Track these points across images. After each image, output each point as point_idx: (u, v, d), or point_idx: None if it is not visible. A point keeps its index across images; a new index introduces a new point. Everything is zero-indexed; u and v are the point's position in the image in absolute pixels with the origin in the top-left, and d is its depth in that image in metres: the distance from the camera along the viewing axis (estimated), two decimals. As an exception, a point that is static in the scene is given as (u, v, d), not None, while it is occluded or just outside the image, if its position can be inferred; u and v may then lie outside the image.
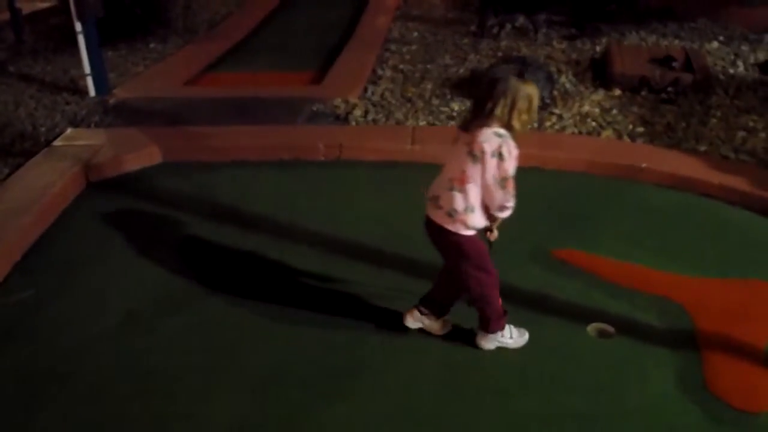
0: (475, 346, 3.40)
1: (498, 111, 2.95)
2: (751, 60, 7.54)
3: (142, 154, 5.48)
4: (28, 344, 3.54)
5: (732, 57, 7.67)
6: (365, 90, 6.83)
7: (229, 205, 4.87)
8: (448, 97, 6.65)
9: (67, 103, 6.61)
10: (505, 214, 3.11)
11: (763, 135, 5.68)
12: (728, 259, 4.17)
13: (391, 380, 3.24)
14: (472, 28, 9.02)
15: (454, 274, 3.28)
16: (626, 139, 5.72)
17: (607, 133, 5.80)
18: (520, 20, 8.84)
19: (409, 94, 6.72)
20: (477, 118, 3.01)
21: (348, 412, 3.07)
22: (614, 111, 6.23)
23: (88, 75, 6.69)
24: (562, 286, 3.87)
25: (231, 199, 4.94)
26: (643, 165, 5.14)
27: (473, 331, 3.43)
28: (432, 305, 3.45)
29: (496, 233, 3.26)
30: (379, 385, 3.21)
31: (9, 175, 5.12)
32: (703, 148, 5.47)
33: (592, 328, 3.56)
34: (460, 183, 3.03)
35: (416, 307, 3.48)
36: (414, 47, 8.40)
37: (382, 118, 6.17)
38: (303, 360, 3.38)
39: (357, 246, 4.32)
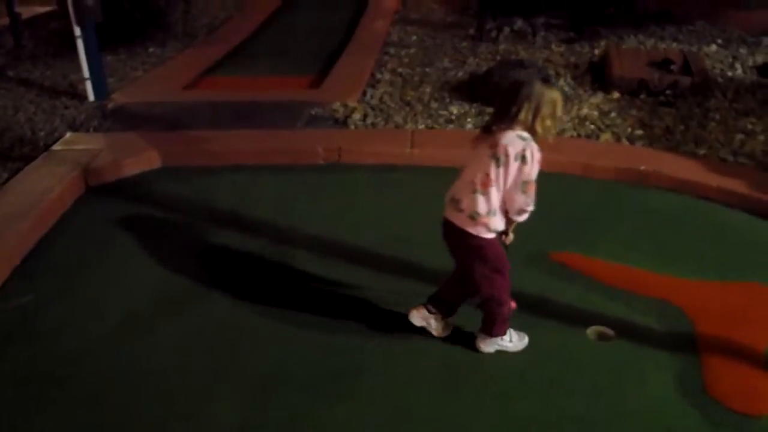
0: (475, 349, 3.40)
1: (522, 115, 2.95)
2: (750, 63, 7.56)
3: (141, 159, 5.49)
4: (28, 348, 3.54)
5: (730, 60, 7.69)
6: (364, 94, 6.84)
7: (228, 209, 4.87)
8: (447, 100, 6.66)
9: (66, 108, 6.62)
10: (523, 217, 3.11)
11: (761, 138, 5.69)
12: (727, 261, 4.17)
13: (391, 383, 3.24)
14: (471, 31, 9.04)
15: (467, 276, 3.27)
16: (625, 142, 5.73)
17: (606, 136, 5.81)
18: (519, 24, 8.86)
19: (408, 98, 6.73)
20: (500, 121, 3.01)
21: (348, 414, 3.07)
22: (613, 114, 6.24)
23: (87, 79, 6.70)
24: (561, 289, 3.87)
25: (230, 204, 4.94)
26: (642, 168, 5.15)
27: (473, 334, 3.44)
28: (441, 305, 3.45)
29: (511, 236, 3.27)
30: (379, 388, 3.21)
31: (8, 179, 5.12)
32: (701, 151, 5.47)
33: (591, 331, 3.56)
34: (483, 186, 3.03)
35: (424, 305, 3.47)
36: (413, 51, 8.41)
37: (381, 122, 6.18)
38: (303, 362, 3.38)
39: (356, 249, 4.32)
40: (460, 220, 3.13)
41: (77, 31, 6.47)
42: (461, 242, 3.17)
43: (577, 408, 3.08)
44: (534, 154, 2.96)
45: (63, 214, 4.81)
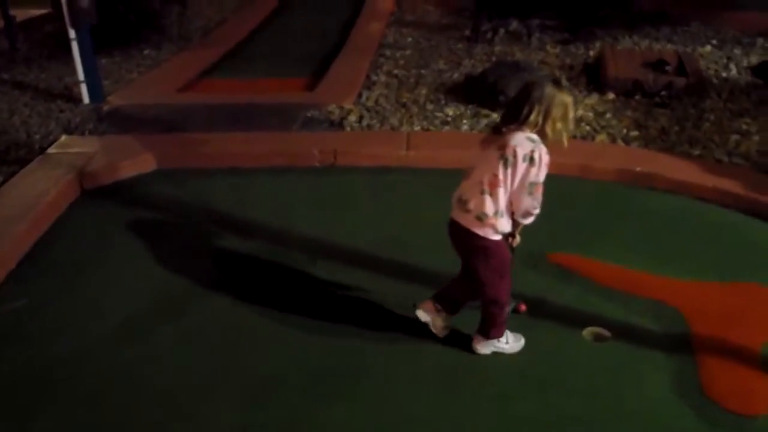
0: (472, 350, 3.40)
1: (532, 117, 2.95)
2: (744, 63, 7.58)
3: (136, 161, 5.48)
4: (24, 350, 3.53)
5: (725, 60, 7.71)
6: (360, 96, 6.84)
7: (224, 211, 4.87)
8: (443, 102, 6.66)
9: (62, 111, 6.60)
10: (529, 220, 3.11)
11: (756, 138, 5.70)
12: (723, 262, 4.18)
13: (390, 384, 3.24)
14: (467, 33, 9.04)
15: (471, 276, 3.27)
16: (620, 143, 5.73)
17: (602, 137, 5.82)
18: (514, 25, 8.87)
19: (404, 100, 6.73)
20: (510, 122, 3.01)
21: (347, 414, 3.07)
22: (608, 115, 6.25)
23: (82, 82, 6.69)
24: (558, 290, 3.87)
25: (226, 206, 4.93)
26: (638, 169, 5.16)
27: (470, 335, 3.44)
28: (447, 302, 3.45)
29: (518, 239, 3.27)
30: (378, 389, 3.21)
31: (3, 182, 5.10)
32: (696, 152, 5.48)
33: (588, 332, 3.57)
34: (490, 186, 3.03)
35: (431, 300, 3.47)
36: (408, 52, 8.41)
37: (377, 124, 6.18)
38: (302, 363, 3.38)
39: (353, 251, 4.32)
40: (467, 221, 3.12)
41: (72, 33, 6.46)
42: (467, 243, 3.17)
43: (575, 409, 3.08)
44: (542, 156, 2.96)
45: (58, 218, 4.80)
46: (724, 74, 7.27)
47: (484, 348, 3.39)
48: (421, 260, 4.18)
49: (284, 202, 5.01)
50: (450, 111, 6.43)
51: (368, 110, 6.47)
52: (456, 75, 7.44)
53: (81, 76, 6.65)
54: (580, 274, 4.04)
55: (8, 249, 4.26)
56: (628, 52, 7.81)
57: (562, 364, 3.36)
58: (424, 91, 6.96)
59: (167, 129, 6.13)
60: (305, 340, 3.55)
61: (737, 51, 8.04)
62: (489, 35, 8.79)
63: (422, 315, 3.49)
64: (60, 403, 3.17)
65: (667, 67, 6.84)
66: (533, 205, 3.03)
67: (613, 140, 5.77)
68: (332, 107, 6.49)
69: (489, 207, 3.04)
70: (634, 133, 5.87)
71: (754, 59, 7.68)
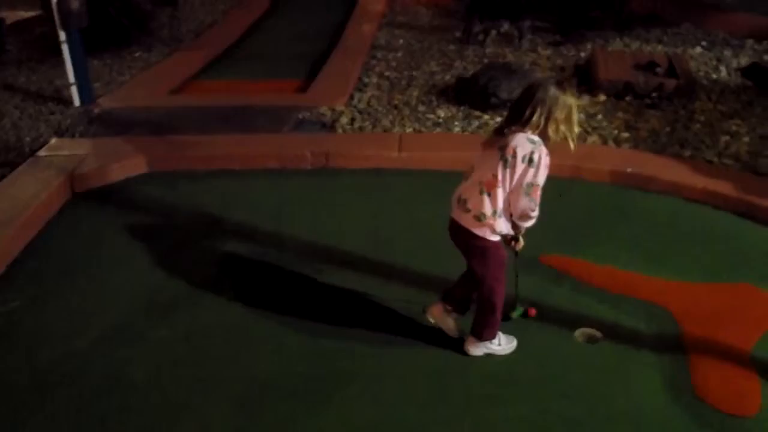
0: (463, 352, 3.40)
1: (535, 118, 2.95)
2: (734, 65, 7.62)
3: (127, 164, 5.46)
4: (11, 356, 3.51)
5: (715, 62, 7.74)
6: (352, 97, 6.84)
7: (215, 214, 4.85)
8: (435, 103, 6.66)
9: (52, 113, 6.57)
10: (528, 223, 3.11)
11: (746, 139, 5.73)
12: (714, 263, 4.19)
13: (380, 388, 3.23)
14: (458, 34, 9.05)
15: (471, 274, 3.28)
16: (611, 144, 5.75)
17: (593, 138, 5.83)
18: (506, 27, 8.88)
19: (396, 102, 6.73)
20: (513, 123, 3.01)
21: (338, 419, 3.06)
22: (599, 117, 6.26)
23: (72, 85, 6.66)
24: (549, 291, 3.88)
25: (217, 209, 4.92)
26: (629, 170, 5.17)
27: (461, 337, 3.44)
28: (455, 302, 3.45)
29: (522, 242, 3.26)
30: (368, 394, 3.20)
31: (-7, 185, 5.08)
32: (687, 153, 5.50)
33: (579, 333, 3.57)
34: (489, 187, 3.03)
35: (441, 302, 3.48)
36: (400, 54, 8.42)
37: (369, 126, 6.17)
38: (291, 369, 3.37)
39: (344, 254, 4.31)
40: (466, 221, 3.13)
41: (62, 35, 6.43)
42: (467, 242, 3.18)
43: (566, 410, 3.08)
44: (542, 158, 2.96)
45: (48, 221, 4.78)
46: (714, 76, 7.31)
47: (476, 349, 3.39)
48: (413, 261, 4.18)
49: (276, 204, 5.00)
50: (442, 113, 6.43)
51: (360, 112, 6.47)
52: (447, 77, 7.45)
53: (71, 78, 6.62)
54: (572, 275, 4.05)
55: (-2, 252, 4.24)
56: (619, 53, 7.83)
57: (554, 365, 3.36)
58: (415, 93, 6.96)
59: (158, 131, 6.11)
60: (296, 343, 3.54)
61: (727, 53, 8.08)
62: (480, 37, 8.80)
63: (431, 318, 3.49)
64: (50, 408, 3.15)
65: (658, 69, 6.86)
66: (530, 206, 3.02)
67: (604, 142, 5.78)
68: (324, 109, 6.49)
69: (487, 207, 3.05)
70: (625, 134, 5.89)
71: (744, 61, 7.71)
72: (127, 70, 7.99)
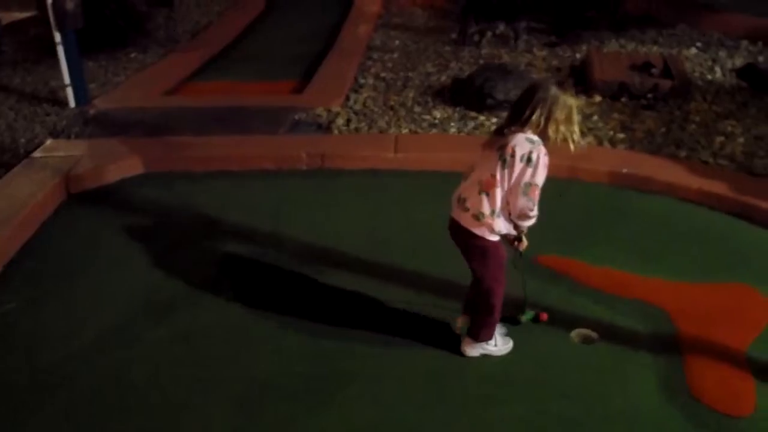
0: (460, 353, 3.40)
1: (534, 118, 2.95)
2: (729, 66, 7.63)
3: (122, 165, 5.45)
4: (10, 356, 3.50)
5: (710, 63, 7.76)
6: (347, 98, 6.84)
7: (211, 215, 4.84)
8: (430, 104, 6.67)
9: (47, 114, 6.56)
10: (527, 222, 3.11)
11: (741, 140, 5.74)
12: (709, 263, 4.20)
13: (379, 388, 3.24)
14: (454, 35, 9.06)
15: (473, 273, 3.27)
16: (607, 145, 5.76)
17: (588, 139, 5.83)
18: (501, 28, 8.88)
19: (392, 102, 6.73)
20: (513, 123, 3.02)
21: (336, 421, 3.06)
22: (595, 117, 6.27)
23: (67, 86, 6.64)
24: (545, 292, 3.88)
25: (213, 210, 4.91)
26: (624, 171, 5.18)
27: (458, 338, 3.44)
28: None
29: (525, 242, 3.26)
30: (368, 394, 3.21)
31: (-12, 187, 5.06)
32: (682, 154, 5.52)
33: (575, 333, 3.58)
34: (488, 186, 3.04)
35: (464, 313, 3.49)
36: (396, 55, 8.42)
37: (365, 127, 6.17)
38: (289, 370, 3.37)
39: (342, 254, 4.31)
40: (465, 220, 3.14)
41: (57, 36, 6.42)
42: (466, 241, 3.19)
43: (563, 410, 3.09)
44: (540, 157, 2.96)
45: (44, 222, 4.77)
46: (709, 76, 7.32)
47: (473, 350, 3.39)
48: (412, 262, 4.18)
49: (273, 205, 5.00)
50: (437, 114, 6.44)
51: (356, 113, 6.47)
52: (443, 78, 7.45)
53: (67, 79, 6.61)
54: (568, 275, 4.06)
55: (-7, 254, 4.23)
56: (614, 54, 7.84)
57: (550, 365, 3.37)
58: (411, 94, 6.96)
59: (154, 132, 6.10)
60: (295, 344, 3.54)
61: (722, 53, 8.10)
62: (476, 38, 8.81)
63: (457, 329, 3.50)
64: (50, 408, 3.14)
65: (653, 70, 6.88)
66: (528, 206, 3.02)
67: (600, 142, 5.79)
68: (320, 110, 6.49)
69: (485, 207, 3.05)
70: (621, 135, 5.90)
71: (739, 62, 7.73)
72: (122, 71, 7.98)
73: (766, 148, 5.59)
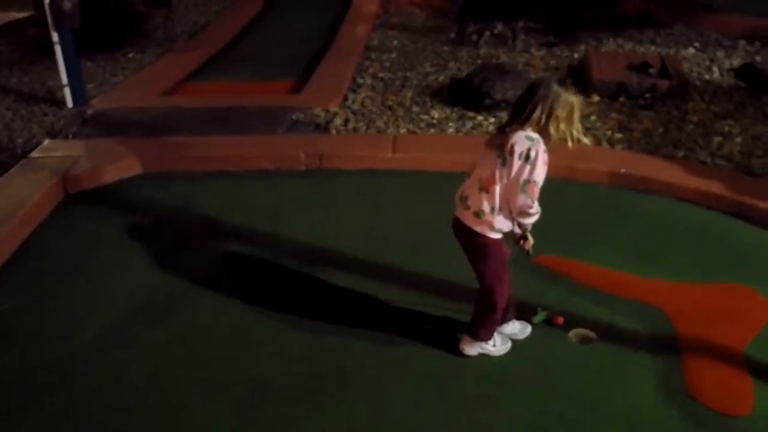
0: (459, 351, 3.40)
1: (535, 115, 2.95)
2: (727, 66, 7.65)
3: (120, 165, 5.44)
4: (7, 357, 3.49)
5: (707, 63, 7.77)
6: (345, 98, 6.84)
7: (209, 215, 4.84)
8: (428, 104, 6.67)
9: (45, 114, 6.55)
10: (528, 220, 3.10)
11: (738, 140, 5.75)
12: (707, 263, 4.21)
13: (379, 389, 3.24)
14: (452, 35, 9.06)
15: (475, 272, 3.27)
16: (605, 145, 5.77)
17: (586, 139, 5.83)
18: (499, 28, 8.89)
19: (390, 102, 6.73)
20: (514, 120, 3.02)
21: (336, 421, 3.06)
22: (593, 117, 6.28)
23: (65, 86, 6.63)
24: (544, 292, 3.88)
25: (211, 210, 4.91)
26: (622, 171, 5.19)
27: (456, 338, 3.44)
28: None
29: (531, 240, 3.25)
30: (367, 394, 3.21)
31: (-15, 187, 5.05)
32: (680, 154, 5.52)
33: (574, 333, 3.58)
34: (488, 184, 3.04)
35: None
36: (394, 55, 8.42)
37: (363, 127, 6.17)
38: (289, 370, 3.36)
39: (342, 254, 4.31)
40: (467, 218, 3.14)
41: (55, 36, 6.41)
42: (468, 239, 3.19)
43: (561, 410, 3.09)
44: (539, 155, 2.96)
45: (42, 222, 4.76)
46: (707, 76, 7.33)
47: (471, 349, 3.39)
48: (409, 262, 4.18)
49: (272, 205, 4.99)
50: (435, 113, 6.44)
51: (354, 113, 6.47)
52: (441, 78, 7.45)
53: (64, 79, 6.60)
54: (566, 275, 4.06)
55: (-9, 254, 4.22)
56: (612, 54, 7.85)
57: (549, 366, 3.37)
58: (409, 94, 6.96)
59: (152, 132, 6.09)
60: (294, 344, 3.54)
61: (720, 53, 8.11)
62: (474, 38, 8.81)
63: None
64: (50, 409, 3.14)
65: (651, 70, 6.89)
66: (527, 203, 3.02)
67: (598, 142, 5.79)
68: (318, 110, 6.48)
69: (485, 204, 3.06)
70: (619, 135, 5.91)
71: (737, 61, 7.74)
72: (120, 71, 7.97)
73: (763, 147, 5.61)
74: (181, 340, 3.58)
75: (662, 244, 4.41)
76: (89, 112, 6.61)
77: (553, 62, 7.95)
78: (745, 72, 7.16)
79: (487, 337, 3.36)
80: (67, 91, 6.65)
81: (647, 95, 6.56)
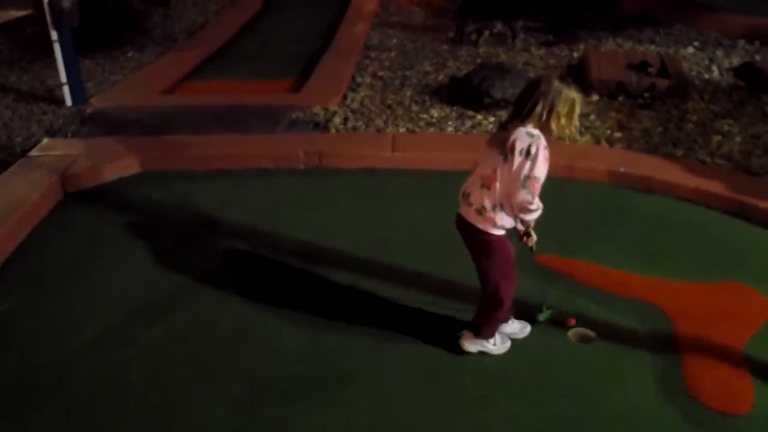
0: (458, 349, 3.40)
1: (537, 110, 2.95)
2: (726, 65, 7.65)
3: (119, 164, 5.43)
4: (7, 357, 3.49)
5: (707, 62, 7.78)
6: (345, 97, 6.84)
7: (208, 214, 4.84)
8: (428, 103, 6.67)
9: (44, 113, 6.54)
10: (529, 216, 3.09)
11: (738, 139, 5.76)
12: (706, 262, 4.21)
13: (379, 388, 3.24)
14: (451, 34, 9.06)
15: (477, 270, 3.27)
16: (604, 144, 5.77)
17: (585, 138, 5.85)
18: (498, 27, 8.90)
19: (389, 101, 6.73)
20: (516, 117, 3.02)
21: (335, 421, 3.06)
22: (592, 116, 6.28)
23: (64, 84, 6.63)
24: (544, 291, 3.88)
25: (211, 209, 4.90)
26: (621, 170, 5.19)
27: (455, 336, 3.44)
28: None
29: (534, 237, 3.25)
30: (367, 394, 3.21)
31: (-16, 186, 5.04)
32: (679, 153, 5.53)
33: (573, 333, 3.58)
34: (489, 181, 3.05)
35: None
36: (393, 54, 8.42)
37: (362, 126, 6.17)
38: (289, 370, 3.36)
39: (341, 254, 4.31)
40: (470, 215, 3.15)
41: (54, 35, 6.40)
42: (471, 236, 3.19)
43: (561, 410, 3.09)
44: (540, 151, 2.95)
45: (40, 221, 4.76)
46: (706, 76, 7.34)
47: (472, 346, 3.39)
48: (408, 261, 4.18)
49: (271, 204, 4.99)
50: (435, 113, 6.44)
51: (353, 112, 6.46)
52: (441, 77, 7.46)
53: (63, 78, 6.60)
54: (566, 274, 4.06)
55: (-10, 253, 4.22)
56: (611, 53, 7.85)
57: (548, 365, 3.37)
58: (409, 93, 6.96)
59: (151, 131, 6.09)
60: (295, 343, 3.54)
61: (719, 53, 8.12)
62: (473, 37, 8.81)
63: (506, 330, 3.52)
64: (50, 409, 3.13)
65: (650, 69, 6.89)
66: (527, 199, 3.01)
67: (597, 141, 5.80)
68: (317, 109, 6.48)
69: (487, 201, 3.06)
70: (618, 134, 5.91)
71: (736, 61, 7.75)
72: (119, 69, 7.97)
73: (763, 146, 5.61)
74: (181, 340, 3.58)
75: (662, 243, 4.42)
76: (88, 110, 6.61)
77: (552, 61, 7.95)
78: (744, 71, 7.17)
79: (489, 335, 3.36)
80: (66, 90, 6.65)
81: (646, 94, 6.56)
